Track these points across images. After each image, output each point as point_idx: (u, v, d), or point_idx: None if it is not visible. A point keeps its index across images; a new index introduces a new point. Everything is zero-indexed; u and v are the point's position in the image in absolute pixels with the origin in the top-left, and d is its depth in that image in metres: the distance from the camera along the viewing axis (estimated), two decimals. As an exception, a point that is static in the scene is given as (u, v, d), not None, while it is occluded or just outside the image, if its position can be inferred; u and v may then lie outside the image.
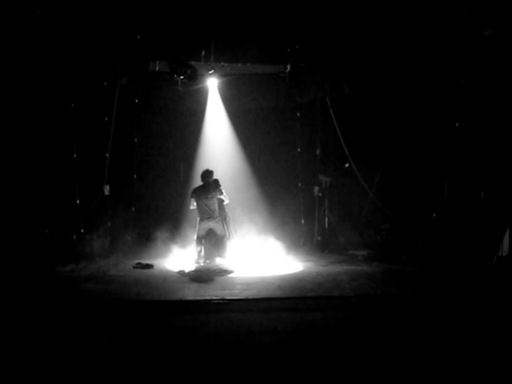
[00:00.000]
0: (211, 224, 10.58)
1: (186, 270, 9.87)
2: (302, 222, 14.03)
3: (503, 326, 6.08)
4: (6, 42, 8.63)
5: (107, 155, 11.89)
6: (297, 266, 10.51)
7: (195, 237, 10.73)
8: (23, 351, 5.11)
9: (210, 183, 10.68)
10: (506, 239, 9.32)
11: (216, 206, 10.62)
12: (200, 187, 10.76)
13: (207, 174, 10.76)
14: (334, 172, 13.28)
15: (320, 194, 13.53)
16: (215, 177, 10.85)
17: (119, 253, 12.10)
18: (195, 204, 10.60)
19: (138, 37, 12.13)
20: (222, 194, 10.71)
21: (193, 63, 12.54)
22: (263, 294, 7.65)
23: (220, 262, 10.42)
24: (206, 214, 10.57)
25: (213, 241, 10.61)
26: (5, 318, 6.20)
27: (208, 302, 7.09)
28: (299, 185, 14.19)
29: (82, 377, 4.49)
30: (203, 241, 10.61)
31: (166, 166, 14.34)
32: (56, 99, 10.20)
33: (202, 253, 10.59)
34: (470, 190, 10.04)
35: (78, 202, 10.88)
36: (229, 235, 10.91)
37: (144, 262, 10.56)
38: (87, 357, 4.96)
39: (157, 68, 13.24)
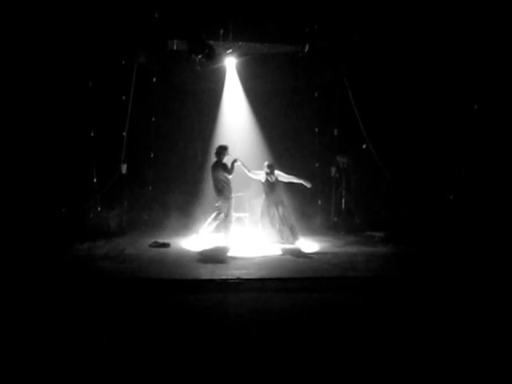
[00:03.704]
0: (219, 202, 10.54)
1: (201, 250, 9.89)
2: (319, 202, 13.99)
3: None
4: (25, 22, 8.67)
5: (124, 134, 11.91)
6: (313, 247, 10.50)
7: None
8: (40, 330, 5.19)
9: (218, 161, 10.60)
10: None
11: (220, 186, 10.47)
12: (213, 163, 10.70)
13: (217, 150, 10.72)
14: (351, 153, 13.21)
15: (337, 175, 13.51)
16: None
17: (136, 231, 12.21)
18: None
19: (156, 15, 12.06)
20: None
21: (211, 42, 12.43)
22: (279, 273, 7.65)
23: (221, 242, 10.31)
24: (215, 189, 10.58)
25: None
26: (23, 295, 6.30)
27: (224, 281, 7.12)
28: (316, 165, 14.12)
29: (98, 354, 4.55)
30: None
31: (183, 145, 14.30)
32: (74, 78, 10.24)
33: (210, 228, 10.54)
34: (488, 172, 9.95)
35: (95, 180, 10.96)
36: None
37: (160, 240, 10.60)
38: (104, 334, 5.02)
39: (175, 47, 13.14)
